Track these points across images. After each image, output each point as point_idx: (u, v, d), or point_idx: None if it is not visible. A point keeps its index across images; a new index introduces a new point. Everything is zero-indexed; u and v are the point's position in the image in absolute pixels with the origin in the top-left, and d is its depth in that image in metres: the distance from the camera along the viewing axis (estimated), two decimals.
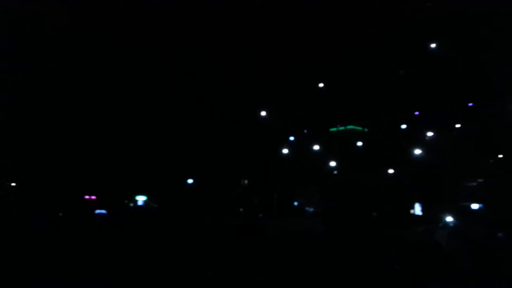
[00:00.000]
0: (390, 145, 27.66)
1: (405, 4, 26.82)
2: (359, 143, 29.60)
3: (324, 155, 29.51)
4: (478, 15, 24.31)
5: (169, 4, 26.25)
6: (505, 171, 25.17)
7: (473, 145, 26.10)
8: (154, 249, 7.64)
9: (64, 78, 25.62)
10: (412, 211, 29.39)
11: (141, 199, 32.00)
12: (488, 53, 23.90)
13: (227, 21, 27.40)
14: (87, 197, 27.77)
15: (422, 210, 29.43)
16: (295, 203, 30.85)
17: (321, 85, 30.13)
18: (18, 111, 23.07)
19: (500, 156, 26.85)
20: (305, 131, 30.92)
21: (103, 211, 23.29)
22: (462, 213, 25.07)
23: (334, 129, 31.46)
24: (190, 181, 30.79)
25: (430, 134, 27.67)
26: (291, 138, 29.95)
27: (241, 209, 29.84)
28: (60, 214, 20.02)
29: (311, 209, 30.67)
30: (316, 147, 29.36)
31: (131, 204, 31.17)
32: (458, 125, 27.71)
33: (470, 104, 27.23)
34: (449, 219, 24.43)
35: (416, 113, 28.80)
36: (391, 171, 28.11)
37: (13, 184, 25.57)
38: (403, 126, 29.17)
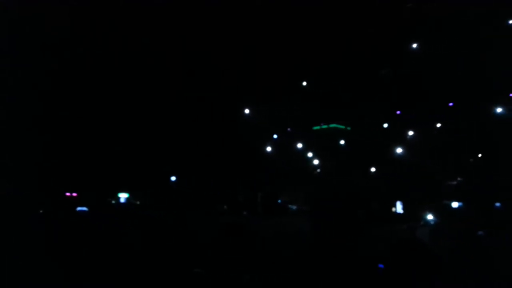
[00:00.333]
0: (373, 143, 27.93)
1: (390, 5, 27.10)
2: (342, 142, 29.84)
3: (308, 153, 29.69)
4: (464, 14, 24.66)
5: (162, 4, 26.14)
6: (485, 170, 25.63)
7: (454, 144, 26.53)
8: (139, 247, 7.58)
9: (55, 76, 25.34)
10: (393, 209, 29.71)
11: (123, 196, 31.77)
12: (471, 52, 24.29)
13: (217, 20, 27.35)
14: (68, 194, 27.45)
15: (403, 208, 29.77)
16: (279, 201, 30.99)
17: (304, 83, 30.26)
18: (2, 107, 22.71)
19: (480, 155, 27.31)
20: (289, 129, 31.03)
21: (84, 208, 23.03)
22: (443, 211, 25.41)
23: (318, 127, 31.64)
24: (173, 178, 30.66)
25: (411, 133, 28.04)
26: (275, 136, 30.06)
27: (225, 207, 29.86)
28: (41, 211, 19.72)
29: (295, 207, 30.84)
30: (300, 145, 29.52)
31: (113, 202, 30.91)
32: (439, 124, 28.08)
33: (451, 104, 27.62)
34: (430, 217, 24.76)
35: (398, 112, 29.11)
36: (373, 169, 28.39)
37: None
38: (385, 125, 29.44)
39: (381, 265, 3.76)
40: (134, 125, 27.98)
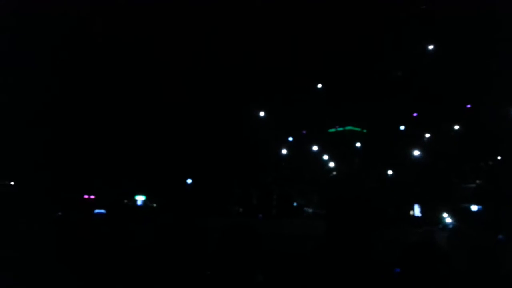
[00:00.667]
0: (389, 146, 27.67)
1: (403, 5, 26.89)
2: (358, 144, 29.63)
3: (323, 156, 29.55)
4: (476, 15, 24.33)
5: (162, 4, 26.26)
6: (504, 172, 25.20)
7: (472, 147, 26.14)
8: (152, 250, 7.61)
9: (65, 77, 25.61)
10: (411, 213, 29.41)
11: (140, 198, 32.00)
12: (487, 53, 23.94)
13: (224, 21, 27.42)
14: (86, 196, 27.73)
15: (421, 212, 29.45)
16: (294, 204, 30.90)
17: (319, 86, 30.15)
18: (17, 110, 23.04)
19: (499, 157, 26.87)
20: (304, 131, 30.94)
21: (102, 211, 23.24)
22: (461, 214, 25.08)
23: (333, 129, 31.48)
24: (189, 181, 30.80)
25: (429, 135, 27.71)
26: (290, 139, 29.99)
27: (240, 210, 29.89)
28: (60, 214, 19.96)
29: (310, 210, 30.72)
30: (315, 148, 29.40)
31: (130, 204, 31.15)
32: (456, 126, 27.71)
33: (469, 106, 27.25)
34: (448, 220, 24.46)
35: (415, 114, 28.80)
36: (390, 172, 28.13)
37: (12, 183, 25.52)
38: (402, 127, 29.15)
39: (397, 269, 3.70)
40: (152, 128, 28.17)
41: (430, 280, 3.62)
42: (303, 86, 29.44)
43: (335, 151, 29.41)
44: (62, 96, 25.59)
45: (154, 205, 31.38)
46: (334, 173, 29.82)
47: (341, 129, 31.27)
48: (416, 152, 26.53)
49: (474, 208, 26.70)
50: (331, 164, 29.36)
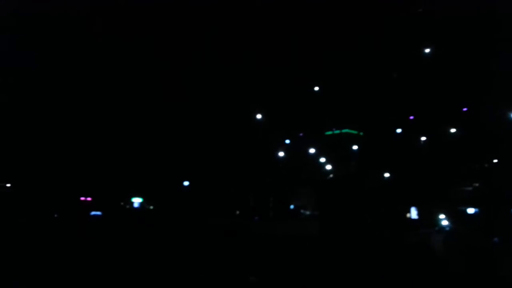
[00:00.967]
0: (386, 149, 27.69)
1: (401, 7, 26.94)
2: (355, 147, 29.64)
3: (320, 158, 29.57)
4: (475, 16, 24.39)
5: (162, 4, 26.25)
6: (501, 176, 25.24)
7: (468, 149, 26.17)
8: (146, 251, 7.62)
9: (65, 77, 25.57)
10: (408, 215, 29.43)
11: (137, 201, 31.96)
12: (484, 56, 23.99)
13: (222, 21, 27.43)
14: (83, 198, 27.69)
15: (418, 214, 29.46)
16: (291, 206, 30.91)
17: (316, 88, 30.17)
18: (16, 110, 22.98)
19: (495, 160, 26.92)
20: (301, 134, 30.96)
21: (98, 213, 23.22)
22: (458, 217, 25.12)
23: (330, 132, 31.50)
24: (186, 183, 30.77)
25: (425, 138, 27.73)
26: (287, 141, 30.01)
27: (237, 212, 29.88)
28: (56, 216, 19.93)
29: (307, 212, 30.74)
30: (312, 150, 29.41)
31: (127, 206, 31.11)
32: (453, 129, 27.74)
33: (465, 109, 27.29)
34: (445, 223, 24.49)
35: (411, 117, 28.83)
36: (387, 175, 28.15)
37: (8, 185, 25.45)
38: (399, 130, 29.17)
39: (387, 271, 3.74)
40: (148, 130, 28.15)
41: (423, 281, 3.64)
42: (301, 88, 29.47)
43: (332, 154, 29.44)
44: (61, 96, 25.55)
45: (151, 207, 31.34)
46: (331, 175, 29.84)
47: (338, 132, 31.29)
48: (413, 155, 26.55)
49: (470, 211, 26.75)
50: (328, 167, 29.38)
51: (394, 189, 27.07)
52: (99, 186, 27.60)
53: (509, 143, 23.99)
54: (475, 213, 26.67)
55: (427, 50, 27.40)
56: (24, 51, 22.61)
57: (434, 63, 26.69)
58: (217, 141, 28.14)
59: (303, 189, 30.31)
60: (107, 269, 6.63)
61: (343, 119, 30.10)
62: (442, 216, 25.46)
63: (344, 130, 31.10)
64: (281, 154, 28.79)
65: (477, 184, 27.85)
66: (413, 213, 29.78)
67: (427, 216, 26.88)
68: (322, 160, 29.65)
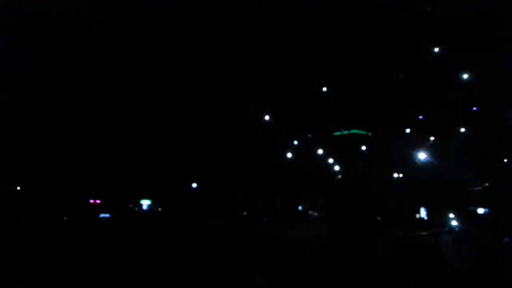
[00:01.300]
0: (395, 149, 27.53)
1: (409, 7, 26.81)
2: (363, 147, 29.53)
3: (328, 159, 29.48)
4: (480, 16, 24.17)
5: (162, 4, 26.23)
6: (511, 175, 24.99)
7: (478, 149, 25.93)
8: (152, 252, 7.61)
9: (66, 78, 25.63)
10: (417, 215, 29.26)
11: (145, 203, 32.08)
12: (492, 55, 23.75)
13: (226, 21, 27.39)
14: (92, 201, 27.84)
15: (428, 214, 29.28)
16: (299, 208, 30.83)
17: (324, 89, 30.09)
18: (19, 111, 23.03)
19: (506, 160, 26.67)
20: (309, 135, 30.90)
21: (107, 215, 23.31)
22: (468, 217, 24.90)
23: (338, 133, 31.41)
24: (194, 185, 30.82)
25: (435, 138, 27.55)
26: (295, 142, 29.95)
27: (244, 213, 29.86)
28: (65, 218, 20.00)
29: (315, 214, 30.64)
30: (320, 151, 29.34)
31: (136, 208, 31.25)
32: (462, 129, 27.52)
33: (475, 108, 27.06)
34: (454, 223, 24.30)
35: (420, 117, 28.65)
36: (396, 175, 28.00)
37: (18, 188, 25.63)
38: (408, 130, 29.01)
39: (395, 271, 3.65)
40: (157, 133, 28.22)
41: (426, 282, 3.57)
42: (308, 88, 29.41)
43: (340, 155, 29.33)
44: (65, 98, 25.62)
45: (160, 209, 31.44)
46: (339, 176, 29.69)
47: (346, 132, 31.18)
48: (422, 155, 26.37)
49: (480, 211, 26.51)
50: (336, 168, 29.28)
51: (404, 189, 26.91)
52: (108, 189, 27.72)
53: None
54: (485, 213, 26.42)
55: (436, 49, 27.23)
56: (24, 51, 22.60)
57: (442, 62, 26.50)
58: (224, 143, 28.15)
59: (311, 190, 30.23)
60: (112, 270, 6.64)
61: (351, 120, 30.00)
62: (452, 216, 25.27)
63: (352, 131, 31.01)
64: (289, 155, 28.73)
65: (487, 184, 27.60)
66: (423, 213, 29.61)
67: (437, 217, 26.69)
68: (330, 160, 29.56)
